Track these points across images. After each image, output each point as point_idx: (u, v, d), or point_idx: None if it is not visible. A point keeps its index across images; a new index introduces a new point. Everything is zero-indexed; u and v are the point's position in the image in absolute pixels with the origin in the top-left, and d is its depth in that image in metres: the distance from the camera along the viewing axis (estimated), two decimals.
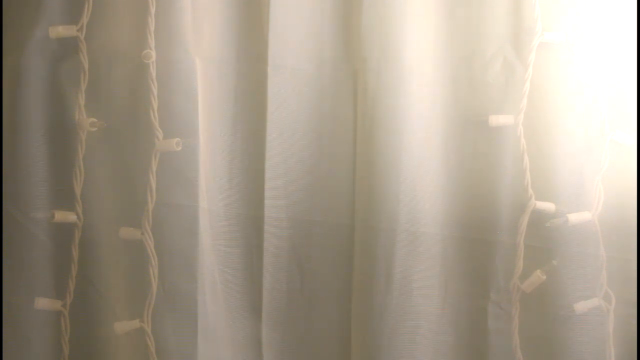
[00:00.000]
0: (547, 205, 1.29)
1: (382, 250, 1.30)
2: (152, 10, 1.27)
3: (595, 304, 1.29)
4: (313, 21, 1.35)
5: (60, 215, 1.29)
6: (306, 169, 1.36)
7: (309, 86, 1.35)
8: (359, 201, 1.33)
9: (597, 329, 1.29)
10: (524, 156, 1.29)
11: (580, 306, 1.28)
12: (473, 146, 1.33)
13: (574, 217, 1.28)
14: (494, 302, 1.32)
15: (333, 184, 1.35)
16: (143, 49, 1.27)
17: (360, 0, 1.32)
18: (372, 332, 1.31)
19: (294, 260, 1.37)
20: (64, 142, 1.29)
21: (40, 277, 1.29)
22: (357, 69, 1.34)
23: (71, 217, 1.29)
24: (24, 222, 1.28)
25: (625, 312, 1.31)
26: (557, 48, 1.30)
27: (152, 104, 1.26)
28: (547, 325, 1.30)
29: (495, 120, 1.31)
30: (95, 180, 1.30)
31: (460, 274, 1.34)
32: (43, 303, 1.29)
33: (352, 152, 1.35)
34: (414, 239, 1.30)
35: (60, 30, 1.29)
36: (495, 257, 1.31)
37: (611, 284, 1.30)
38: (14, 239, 1.29)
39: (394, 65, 1.30)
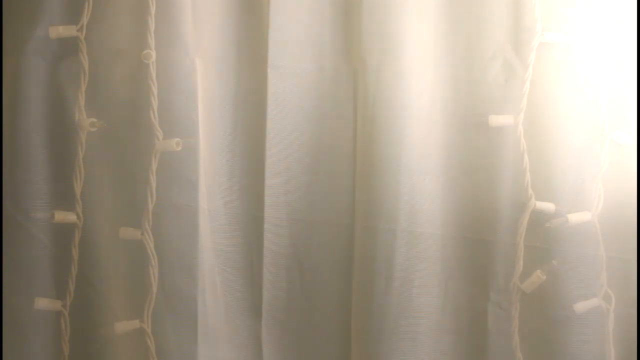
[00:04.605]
0: (547, 205, 1.29)
1: (382, 250, 1.30)
2: (152, 10, 1.27)
3: (595, 304, 1.29)
4: (313, 21, 1.35)
5: (60, 215, 1.29)
6: (306, 168, 1.36)
7: (309, 86, 1.35)
8: (359, 201, 1.34)
9: (597, 329, 1.29)
10: (524, 156, 1.29)
11: (580, 306, 1.28)
12: (473, 146, 1.33)
13: (574, 217, 1.28)
14: (494, 302, 1.32)
15: (333, 183, 1.35)
16: (143, 49, 1.27)
17: (359, 0, 1.32)
18: (372, 332, 1.31)
19: (294, 260, 1.37)
20: (64, 142, 1.29)
21: (40, 277, 1.29)
22: (357, 69, 1.34)
23: (71, 217, 1.29)
24: (24, 222, 1.28)
25: (625, 312, 1.31)
26: (557, 48, 1.30)
27: (152, 104, 1.27)
28: (547, 325, 1.30)
29: (495, 120, 1.31)
30: (95, 180, 1.30)
31: (460, 274, 1.34)
32: (43, 303, 1.29)
33: (352, 152, 1.35)
34: (413, 238, 1.30)
35: (60, 30, 1.29)
36: (495, 257, 1.31)
37: (611, 284, 1.30)
38: (14, 239, 1.29)
39: (394, 65, 1.30)
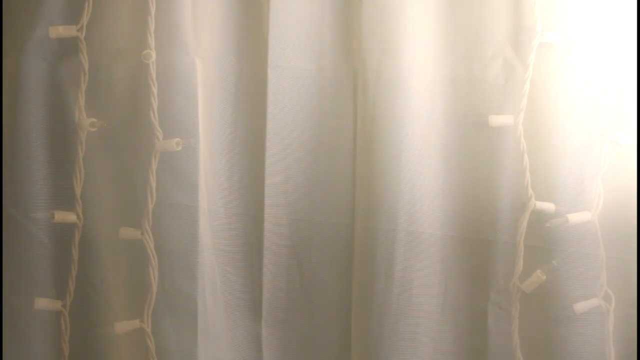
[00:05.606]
0: (547, 205, 1.29)
1: (382, 250, 1.30)
2: (152, 10, 1.27)
3: (595, 304, 1.29)
4: (313, 21, 1.35)
5: (60, 215, 1.29)
6: (305, 168, 1.36)
7: (309, 86, 1.35)
8: (358, 201, 1.34)
9: (597, 329, 1.29)
10: (524, 156, 1.29)
11: (580, 306, 1.28)
12: (473, 146, 1.33)
13: (574, 217, 1.28)
14: (494, 302, 1.32)
15: (333, 184, 1.36)
16: (143, 49, 1.27)
17: (359, 0, 1.32)
18: (372, 331, 1.31)
19: (294, 259, 1.37)
20: (64, 142, 1.29)
21: (40, 277, 1.29)
22: (357, 69, 1.34)
23: (71, 217, 1.29)
24: (24, 222, 1.28)
25: (625, 312, 1.31)
26: (557, 48, 1.30)
27: (152, 104, 1.27)
28: (547, 325, 1.30)
29: (495, 120, 1.31)
30: (95, 180, 1.30)
31: (460, 273, 1.34)
32: (43, 303, 1.29)
33: (352, 152, 1.35)
34: (413, 238, 1.31)
35: (60, 30, 1.29)
36: (495, 257, 1.31)
37: (611, 284, 1.30)
38: (14, 239, 1.29)
39: (394, 65, 1.30)
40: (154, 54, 1.27)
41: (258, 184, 1.35)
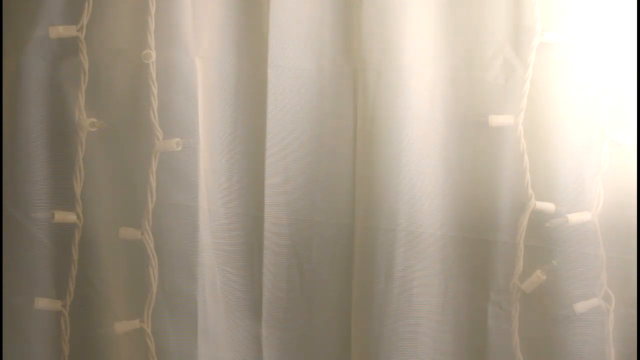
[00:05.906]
0: (547, 205, 1.29)
1: (382, 250, 1.30)
2: (152, 10, 1.27)
3: (595, 304, 1.29)
4: (313, 21, 1.35)
5: (60, 215, 1.29)
6: (305, 168, 1.36)
7: (309, 86, 1.35)
8: (359, 201, 1.34)
9: (597, 329, 1.29)
10: (524, 156, 1.29)
11: (580, 306, 1.28)
12: (473, 146, 1.33)
13: (573, 217, 1.28)
14: (494, 302, 1.32)
15: (333, 184, 1.36)
16: (143, 49, 1.27)
17: (359, 0, 1.32)
18: (372, 331, 1.31)
19: (294, 259, 1.37)
20: (64, 142, 1.29)
21: (40, 277, 1.29)
22: (357, 69, 1.34)
23: (71, 217, 1.29)
24: (24, 222, 1.28)
25: (625, 312, 1.31)
26: (557, 48, 1.30)
27: (152, 104, 1.27)
28: (547, 325, 1.30)
29: (495, 120, 1.31)
30: (95, 180, 1.30)
31: (460, 273, 1.34)
32: (43, 303, 1.29)
33: (352, 152, 1.35)
34: (413, 238, 1.31)
35: (60, 30, 1.29)
36: (495, 257, 1.31)
37: (611, 284, 1.30)
38: (14, 239, 1.29)
39: (394, 65, 1.30)
40: (154, 54, 1.27)
41: (258, 184, 1.35)
